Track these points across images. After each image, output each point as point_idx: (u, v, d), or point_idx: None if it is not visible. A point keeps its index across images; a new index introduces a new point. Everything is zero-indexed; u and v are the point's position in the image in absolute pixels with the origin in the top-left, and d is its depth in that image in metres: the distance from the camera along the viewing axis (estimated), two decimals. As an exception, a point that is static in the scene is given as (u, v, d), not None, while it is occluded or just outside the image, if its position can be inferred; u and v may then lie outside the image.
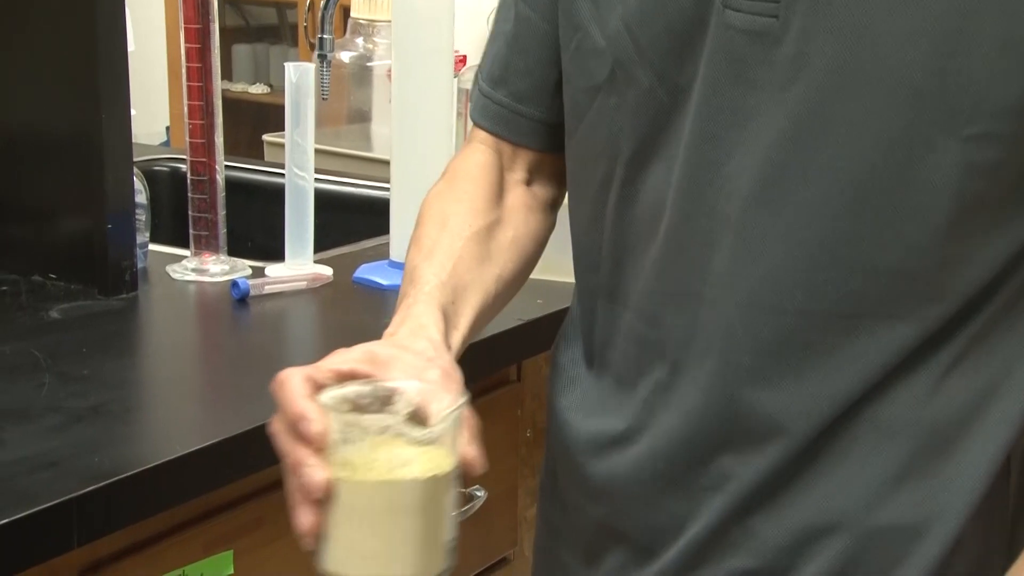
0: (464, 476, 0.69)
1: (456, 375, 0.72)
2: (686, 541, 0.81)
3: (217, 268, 1.48)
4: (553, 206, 0.97)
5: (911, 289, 0.74)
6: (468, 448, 0.68)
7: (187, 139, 1.46)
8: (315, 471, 0.66)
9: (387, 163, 1.51)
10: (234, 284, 1.41)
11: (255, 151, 2.40)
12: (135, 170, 1.40)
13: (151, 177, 1.65)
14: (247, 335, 1.37)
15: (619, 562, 0.86)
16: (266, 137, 2.33)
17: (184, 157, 1.51)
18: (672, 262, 0.80)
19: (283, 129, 1.48)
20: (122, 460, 1.01)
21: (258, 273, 1.48)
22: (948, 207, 0.72)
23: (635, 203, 0.83)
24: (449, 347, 0.78)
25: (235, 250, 1.52)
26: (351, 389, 0.69)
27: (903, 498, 0.76)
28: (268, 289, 1.43)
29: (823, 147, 0.73)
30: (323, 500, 0.66)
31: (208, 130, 1.45)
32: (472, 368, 1.42)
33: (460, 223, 0.88)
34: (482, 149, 0.94)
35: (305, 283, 1.46)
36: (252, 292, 1.41)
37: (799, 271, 0.75)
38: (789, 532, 0.78)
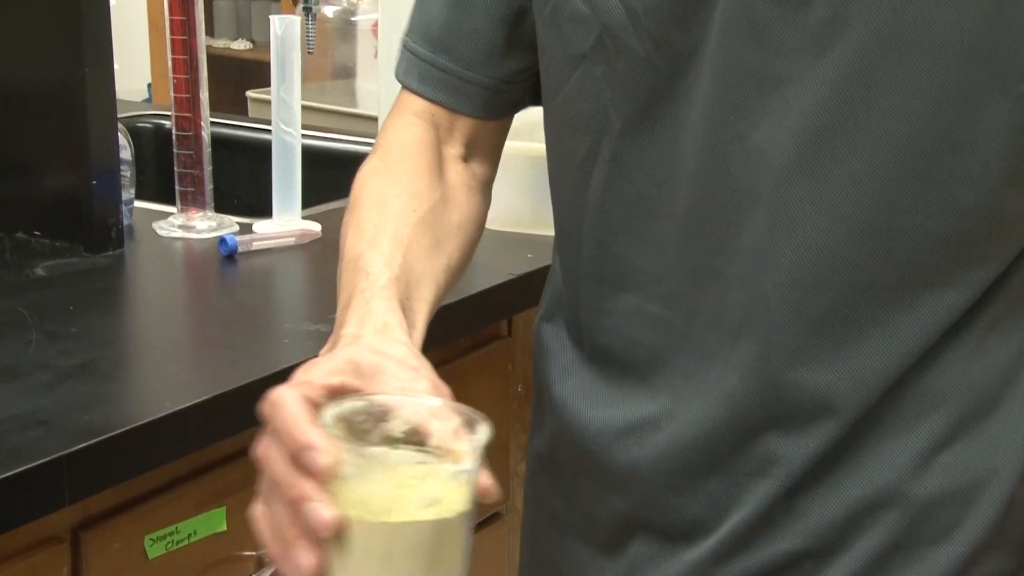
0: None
1: (443, 386, 0.66)
2: (729, 528, 0.77)
3: (204, 225, 1.46)
4: (489, 184, 0.91)
5: (959, 255, 0.72)
6: (486, 478, 0.62)
7: (171, 94, 1.44)
8: (323, 508, 0.58)
9: (373, 119, 1.49)
10: (222, 240, 1.40)
11: (239, 108, 2.38)
12: (119, 126, 1.38)
13: (135, 134, 1.63)
14: (236, 292, 1.36)
15: (646, 551, 0.81)
16: (250, 93, 2.30)
17: (168, 114, 1.49)
18: (692, 241, 0.75)
19: (267, 85, 1.46)
20: (113, 418, 1.00)
21: (246, 229, 1.47)
22: (997, 169, 0.70)
23: (630, 180, 0.77)
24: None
25: (221, 207, 1.51)
26: (347, 407, 0.62)
27: (952, 464, 0.74)
28: (256, 245, 1.42)
29: (868, 114, 0.69)
30: (327, 539, 0.60)
31: (192, 85, 1.43)
32: (462, 323, 1.43)
33: (403, 207, 0.80)
34: (417, 123, 0.86)
35: (293, 239, 1.45)
36: (240, 248, 1.39)
37: (842, 244, 0.72)
38: (838, 510, 0.75)
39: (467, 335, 1.35)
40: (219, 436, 1.07)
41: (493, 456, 1.53)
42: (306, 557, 0.59)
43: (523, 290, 1.40)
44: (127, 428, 0.99)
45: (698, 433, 0.77)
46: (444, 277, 0.80)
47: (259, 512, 0.62)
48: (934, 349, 0.73)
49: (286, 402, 0.61)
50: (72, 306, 1.23)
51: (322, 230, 1.48)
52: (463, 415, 0.62)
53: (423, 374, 0.66)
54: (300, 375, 0.65)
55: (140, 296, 1.37)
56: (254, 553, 1.09)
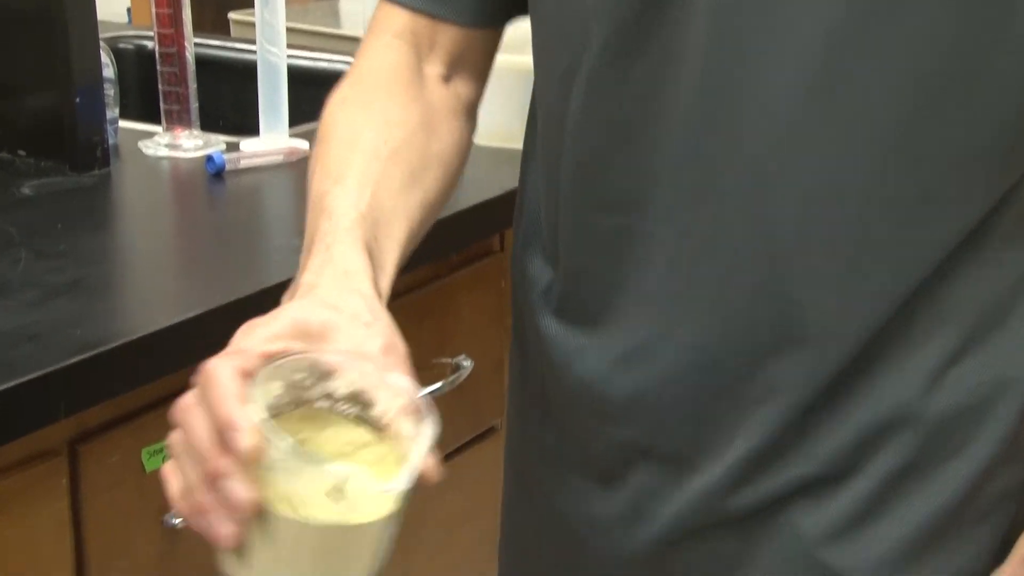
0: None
1: (399, 344, 0.63)
2: (736, 456, 0.74)
3: (190, 143, 1.45)
4: (474, 107, 0.85)
5: (982, 170, 0.69)
6: (429, 463, 0.59)
7: (153, 10, 1.42)
8: (241, 489, 0.56)
9: (357, 40, 1.47)
10: (209, 159, 1.38)
11: (221, 30, 2.34)
12: (101, 43, 1.36)
13: (118, 56, 1.61)
14: (224, 210, 1.35)
15: (650, 482, 0.78)
16: (232, 15, 2.27)
17: (151, 34, 1.46)
18: (688, 159, 0.71)
19: (248, 7, 1.44)
20: (104, 333, 0.99)
21: (233, 148, 1.45)
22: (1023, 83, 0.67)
23: (616, 96, 0.73)
24: (379, 294, 0.67)
25: (207, 128, 1.49)
26: (287, 364, 0.59)
27: (965, 379, 0.72)
28: (244, 163, 1.40)
29: (889, 21, 0.65)
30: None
31: (174, 0, 1.41)
32: (454, 239, 1.42)
33: (374, 140, 0.74)
34: (395, 45, 0.80)
35: (281, 157, 1.43)
36: (228, 167, 1.38)
37: (859, 160, 0.68)
38: (850, 434, 0.73)
39: (459, 250, 1.34)
40: (212, 351, 1.05)
41: (488, 370, 1.52)
42: (226, 528, 0.57)
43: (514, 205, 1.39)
44: (120, 343, 0.98)
45: (700, 358, 0.74)
46: (419, 213, 0.75)
47: (169, 468, 0.60)
48: (949, 264, 0.71)
49: (218, 375, 0.58)
50: (60, 224, 1.21)
51: (310, 147, 1.46)
52: (413, 396, 0.60)
53: (377, 330, 0.63)
54: (240, 339, 0.62)
55: (128, 214, 1.36)
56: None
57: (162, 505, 1.06)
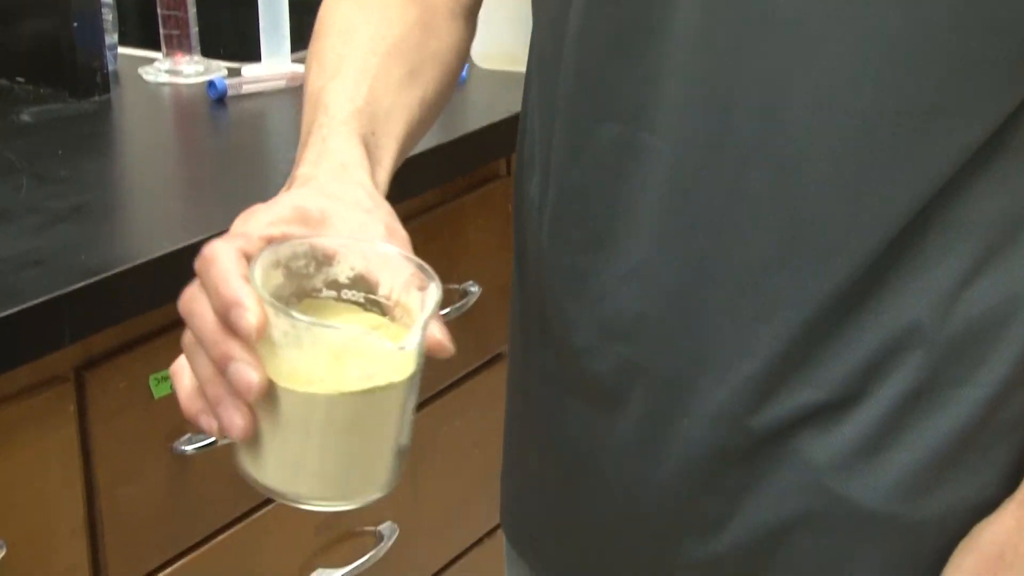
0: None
1: (400, 230, 0.62)
2: (738, 378, 0.72)
3: (191, 69, 1.43)
4: (474, 11, 0.83)
5: (997, 80, 0.67)
6: (439, 332, 0.57)
7: (151, -68, 1.39)
8: (250, 370, 0.54)
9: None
10: (211, 84, 1.36)
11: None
12: (99, -33, 1.33)
13: (115, -20, 1.58)
14: (227, 135, 1.34)
15: (651, 407, 0.75)
16: (230, -59, 2.23)
17: (148, -44, 1.44)
18: (691, 65, 0.69)
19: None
20: (109, 258, 0.99)
21: (234, 74, 1.43)
22: None
23: (620, 2, 0.71)
24: (377, 187, 0.66)
25: (207, 55, 1.47)
26: (285, 250, 0.57)
27: (978, 298, 0.70)
28: (246, 89, 1.38)
29: None
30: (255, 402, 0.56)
31: (172, -78, 1.38)
32: (460, 163, 1.41)
33: (371, 35, 0.73)
34: None
35: (284, 82, 1.42)
36: (230, 92, 1.36)
37: (871, 65, 0.66)
38: (858, 356, 0.71)
39: (465, 174, 1.33)
40: (218, 276, 1.05)
41: (496, 296, 1.51)
42: (238, 417, 0.55)
43: (520, 128, 1.38)
44: (125, 267, 0.97)
45: (700, 273, 0.72)
46: (418, 111, 0.73)
47: (177, 366, 0.58)
48: (962, 178, 0.69)
49: (218, 256, 0.56)
50: (61, 151, 1.20)
51: (312, 72, 1.45)
52: (415, 266, 0.58)
53: (378, 217, 0.61)
54: (239, 224, 0.60)
55: (129, 140, 1.34)
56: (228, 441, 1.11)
57: (170, 431, 1.06)
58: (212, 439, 1.07)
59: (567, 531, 0.83)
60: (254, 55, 1.47)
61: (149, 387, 1.03)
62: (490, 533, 1.47)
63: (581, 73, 0.74)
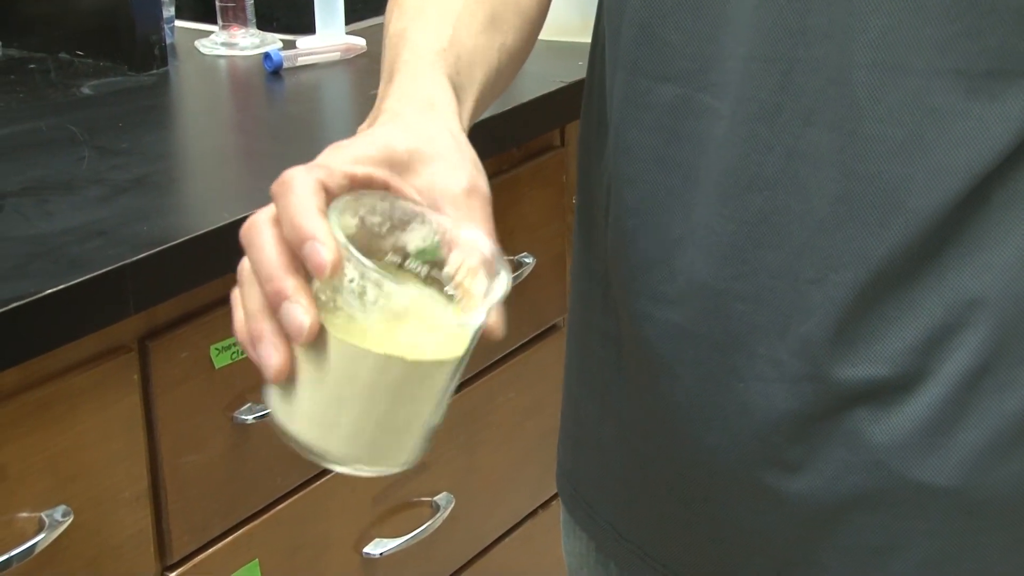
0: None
1: (482, 186, 0.60)
2: (792, 346, 0.70)
3: (247, 41, 1.43)
4: None
5: None
6: (496, 317, 0.55)
7: (207, -95, 1.40)
8: (303, 312, 0.52)
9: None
10: (266, 56, 1.37)
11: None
12: (155, -60, 1.34)
13: (170, -46, 1.59)
14: (283, 106, 1.34)
15: (703, 372, 0.74)
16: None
17: (204, -71, 1.44)
18: (752, 23, 0.68)
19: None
20: (171, 228, 0.99)
21: (289, 46, 1.44)
22: None
23: None
24: (463, 130, 0.65)
25: (262, 28, 1.48)
26: (366, 202, 0.55)
27: None
28: (301, 61, 1.39)
29: None
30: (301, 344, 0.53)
31: None
32: (514, 133, 1.40)
33: None
34: None
35: (339, 54, 1.42)
36: (285, 64, 1.37)
37: (929, 22, 0.65)
38: (919, 331, 0.68)
39: (519, 145, 1.33)
40: (277, 247, 1.06)
41: (550, 268, 1.51)
42: (276, 357, 0.53)
43: (575, 98, 1.36)
44: (186, 238, 0.98)
45: (755, 233, 0.70)
46: (498, 57, 0.72)
47: (234, 297, 0.56)
48: (1022, 148, 0.67)
49: (296, 184, 0.53)
50: (121, 123, 1.21)
51: (367, 44, 1.45)
52: (489, 253, 0.57)
53: (462, 169, 0.60)
54: (324, 156, 0.58)
55: (187, 112, 1.35)
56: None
57: (231, 401, 1.07)
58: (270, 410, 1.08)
59: (623, 497, 0.83)
60: (309, 27, 1.47)
61: (210, 357, 1.04)
62: (545, 504, 1.48)
63: (645, 27, 0.73)
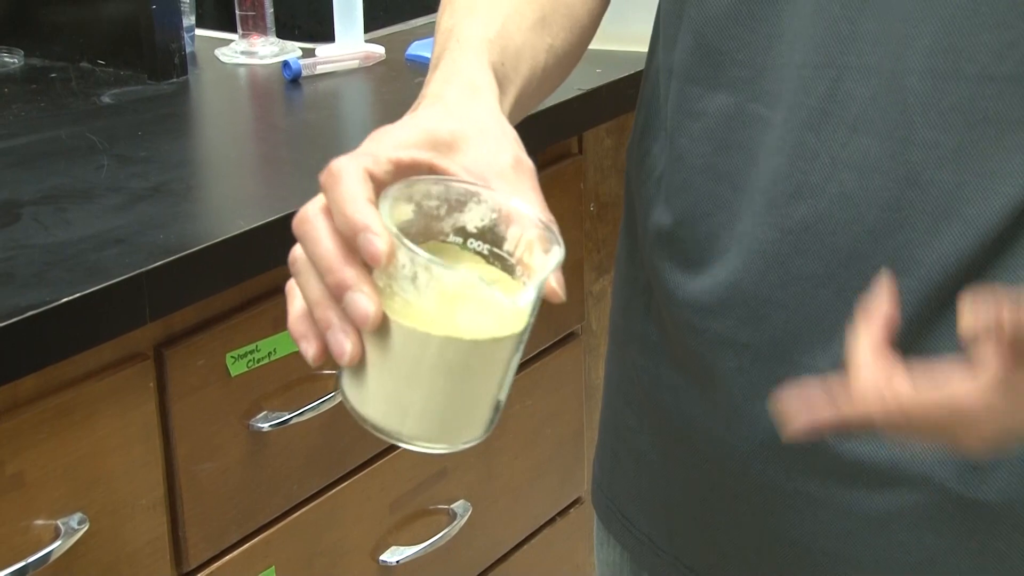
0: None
1: (526, 160, 0.61)
2: (838, 354, 0.68)
3: (267, 50, 1.44)
4: None
5: None
6: (555, 282, 0.56)
7: (227, -86, 1.40)
8: (367, 301, 0.53)
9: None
10: (285, 64, 1.37)
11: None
12: (176, -51, 1.35)
13: (191, -38, 1.60)
14: (302, 114, 1.35)
15: (744, 381, 0.74)
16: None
17: (224, -63, 1.45)
18: (812, 31, 0.68)
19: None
20: (188, 236, 1.00)
21: (308, 54, 1.44)
22: None
23: None
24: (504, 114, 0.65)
25: (282, 36, 1.48)
26: (420, 188, 0.56)
27: None
28: (320, 69, 1.39)
29: None
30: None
31: (248, -96, 1.40)
32: (533, 141, 1.39)
33: None
34: None
35: (357, 62, 1.42)
36: (304, 72, 1.37)
37: (984, 28, 0.65)
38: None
39: (537, 152, 1.33)
40: (294, 255, 1.06)
41: (569, 274, 1.51)
42: (348, 343, 0.55)
43: (593, 106, 1.37)
44: (203, 246, 0.99)
45: (801, 242, 0.70)
46: (546, 57, 0.72)
47: (290, 286, 0.57)
48: None
49: (344, 174, 0.54)
50: (140, 132, 1.22)
51: (386, 52, 1.45)
52: (543, 226, 0.58)
53: (506, 144, 0.60)
54: (368, 144, 0.58)
55: (207, 121, 1.36)
56: (336, 372, 1.11)
57: (247, 408, 1.07)
58: (287, 417, 1.09)
59: (661, 507, 0.82)
60: (328, 35, 1.48)
61: (226, 365, 1.05)
62: (563, 512, 1.48)
63: (699, 37, 0.74)
